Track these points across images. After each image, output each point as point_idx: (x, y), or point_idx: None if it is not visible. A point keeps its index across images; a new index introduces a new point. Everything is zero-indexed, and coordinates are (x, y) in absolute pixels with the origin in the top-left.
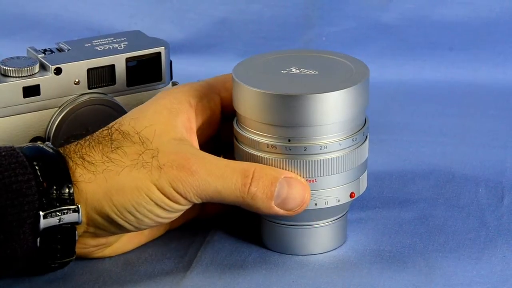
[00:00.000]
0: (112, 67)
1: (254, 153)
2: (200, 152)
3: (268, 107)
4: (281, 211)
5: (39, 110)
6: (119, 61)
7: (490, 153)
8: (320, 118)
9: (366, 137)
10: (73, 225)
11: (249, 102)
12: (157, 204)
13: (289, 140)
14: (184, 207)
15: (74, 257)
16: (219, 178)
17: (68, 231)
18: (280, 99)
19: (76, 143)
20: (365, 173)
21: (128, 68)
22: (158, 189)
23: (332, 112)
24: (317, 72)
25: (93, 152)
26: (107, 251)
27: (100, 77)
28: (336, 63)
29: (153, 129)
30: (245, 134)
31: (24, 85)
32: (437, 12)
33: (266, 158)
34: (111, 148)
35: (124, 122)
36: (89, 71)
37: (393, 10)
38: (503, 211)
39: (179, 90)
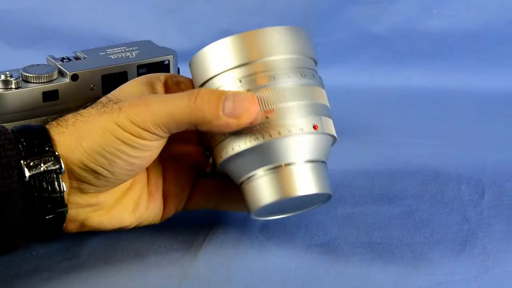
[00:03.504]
0: (124, 74)
1: None
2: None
3: (215, 57)
4: (230, 120)
5: (58, 114)
6: (131, 68)
7: (472, 153)
8: (263, 51)
9: (322, 82)
10: (57, 172)
11: (198, 64)
12: (123, 142)
13: (240, 81)
14: (149, 141)
15: (66, 208)
16: (169, 102)
17: (53, 180)
18: (224, 44)
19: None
20: (331, 120)
21: (139, 74)
22: (120, 126)
23: (270, 46)
24: None
25: (67, 116)
26: (105, 219)
27: (114, 83)
28: None
29: (121, 90)
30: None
31: (44, 90)
32: (423, 24)
33: None
34: (82, 109)
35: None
36: (104, 77)
37: (383, 22)
38: (483, 206)
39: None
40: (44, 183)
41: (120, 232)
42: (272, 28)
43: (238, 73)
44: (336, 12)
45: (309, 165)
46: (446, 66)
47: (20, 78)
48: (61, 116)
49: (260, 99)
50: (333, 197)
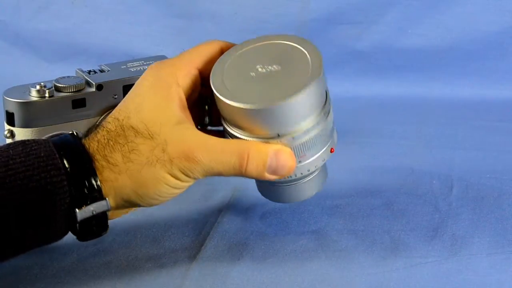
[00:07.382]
0: None
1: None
2: (200, 136)
3: (252, 121)
4: (272, 177)
5: (85, 119)
6: None
7: (442, 152)
8: (299, 116)
9: (330, 106)
10: (104, 212)
11: (234, 115)
12: (173, 187)
13: (279, 135)
14: (192, 183)
15: (107, 231)
16: (220, 163)
17: (100, 216)
18: (261, 113)
19: (97, 139)
20: (335, 131)
21: None
22: (173, 177)
23: (306, 108)
24: (279, 68)
25: (114, 154)
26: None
27: None
28: (294, 54)
29: (158, 120)
30: (234, 133)
31: (73, 99)
32: (399, 41)
33: None
34: (129, 149)
35: (131, 115)
36: (124, 87)
37: (365, 39)
38: (452, 198)
39: (165, 72)
40: (93, 222)
41: (139, 220)
42: (300, 94)
43: (276, 129)
44: (325, 31)
45: (320, 173)
46: (419, 77)
47: (53, 88)
48: (102, 143)
49: (296, 150)
50: (322, 190)
